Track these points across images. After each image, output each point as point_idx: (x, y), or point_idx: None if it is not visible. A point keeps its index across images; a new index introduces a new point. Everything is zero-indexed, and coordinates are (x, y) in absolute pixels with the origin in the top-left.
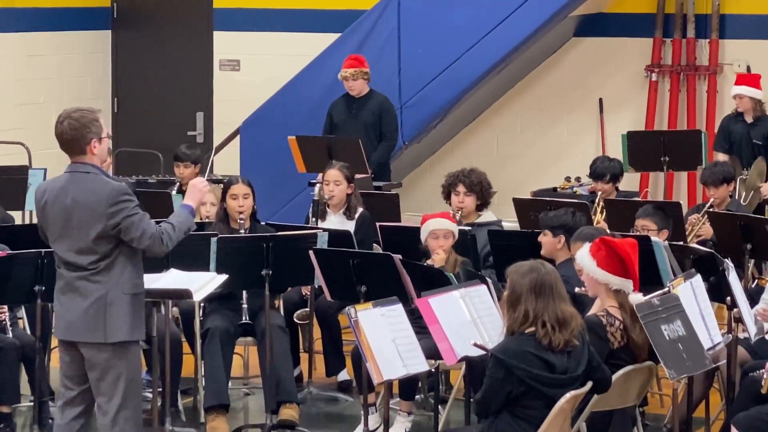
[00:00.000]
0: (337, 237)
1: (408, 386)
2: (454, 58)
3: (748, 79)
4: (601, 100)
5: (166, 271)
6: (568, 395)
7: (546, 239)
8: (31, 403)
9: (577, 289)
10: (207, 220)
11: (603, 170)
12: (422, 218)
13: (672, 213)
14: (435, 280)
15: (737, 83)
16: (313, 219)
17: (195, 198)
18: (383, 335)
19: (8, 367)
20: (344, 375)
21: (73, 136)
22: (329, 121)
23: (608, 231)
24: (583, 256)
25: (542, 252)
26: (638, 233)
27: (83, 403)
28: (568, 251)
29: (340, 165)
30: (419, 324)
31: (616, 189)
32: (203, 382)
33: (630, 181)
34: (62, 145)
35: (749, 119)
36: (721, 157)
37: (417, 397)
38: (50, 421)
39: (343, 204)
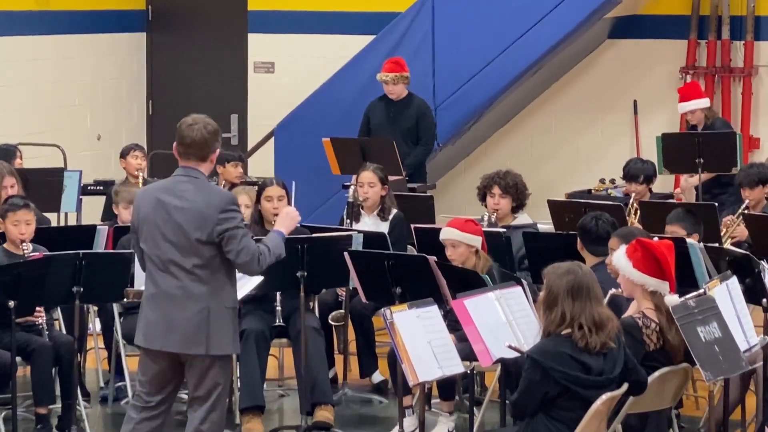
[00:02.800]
0: (371, 239)
1: (447, 386)
2: (488, 60)
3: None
4: (635, 101)
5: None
6: (604, 397)
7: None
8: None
9: (612, 291)
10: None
11: (636, 172)
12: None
13: (706, 215)
14: (470, 282)
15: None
16: (348, 221)
17: (288, 226)
18: (419, 337)
19: (43, 369)
20: (379, 376)
21: (205, 141)
22: (366, 122)
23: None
24: (620, 257)
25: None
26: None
27: (163, 405)
28: (589, 255)
29: (374, 167)
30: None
31: (650, 191)
32: (238, 383)
33: (665, 183)
34: (186, 148)
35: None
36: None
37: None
38: (73, 428)
39: (377, 206)
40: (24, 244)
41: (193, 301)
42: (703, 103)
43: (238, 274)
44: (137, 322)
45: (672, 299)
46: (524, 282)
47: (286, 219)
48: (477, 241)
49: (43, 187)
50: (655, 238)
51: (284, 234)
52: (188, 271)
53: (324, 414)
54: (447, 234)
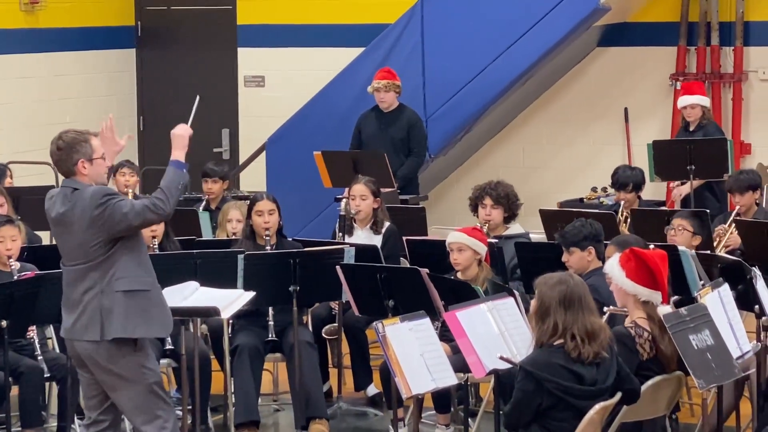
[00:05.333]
0: (364, 252)
1: (443, 399)
2: (478, 70)
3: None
4: (626, 109)
5: (191, 283)
6: (597, 406)
7: (575, 257)
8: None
9: (606, 309)
10: (233, 237)
11: (625, 180)
12: None
13: (704, 224)
14: (462, 294)
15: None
16: (340, 234)
17: (180, 146)
18: (411, 349)
19: (31, 391)
20: (373, 389)
21: (59, 156)
22: (357, 134)
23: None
24: (613, 265)
25: (572, 272)
26: (672, 230)
27: (107, 420)
28: (598, 261)
29: (366, 179)
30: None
31: (639, 198)
32: (233, 399)
33: (656, 190)
34: (53, 165)
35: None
36: None
37: None
38: None
39: (369, 219)
40: (11, 260)
41: (88, 291)
42: (705, 101)
43: (224, 291)
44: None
45: (664, 309)
46: (516, 293)
47: (175, 140)
48: (482, 249)
49: (35, 205)
50: (651, 246)
51: (179, 160)
52: (85, 266)
53: (319, 428)
54: (454, 238)
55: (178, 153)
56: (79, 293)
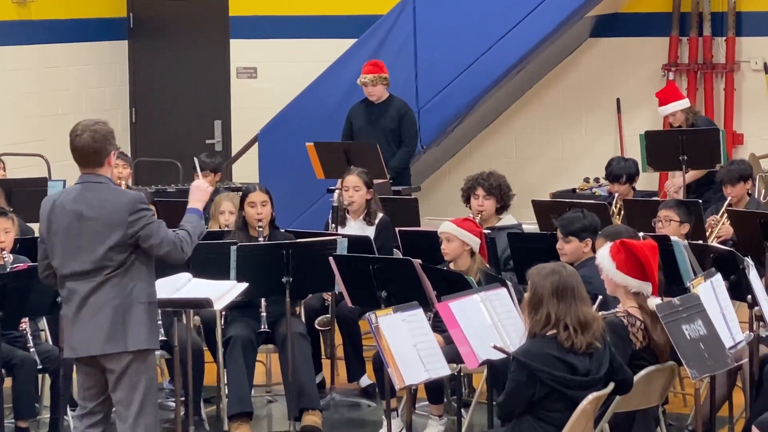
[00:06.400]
0: (356, 243)
1: (436, 390)
2: (470, 62)
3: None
4: (618, 100)
5: (183, 275)
6: (590, 397)
7: (572, 246)
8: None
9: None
10: (226, 229)
11: (619, 171)
12: None
13: (692, 211)
14: (455, 285)
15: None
16: (333, 225)
17: (201, 200)
18: (404, 340)
19: (24, 383)
20: (366, 380)
21: (95, 148)
22: (348, 126)
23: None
24: (603, 256)
25: (565, 260)
26: (660, 222)
27: (102, 412)
28: (591, 252)
29: (359, 171)
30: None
31: (633, 189)
32: (226, 390)
33: (649, 181)
34: (80, 157)
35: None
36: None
37: None
38: None
39: (362, 210)
40: (3, 252)
41: (108, 300)
42: (683, 104)
43: (217, 282)
44: (63, 335)
45: (655, 302)
46: (509, 283)
47: (197, 193)
48: (472, 240)
49: (27, 197)
50: (641, 234)
51: (200, 210)
52: (101, 277)
53: (312, 419)
54: (444, 227)
55: (199, 204)
56: (96, 305)
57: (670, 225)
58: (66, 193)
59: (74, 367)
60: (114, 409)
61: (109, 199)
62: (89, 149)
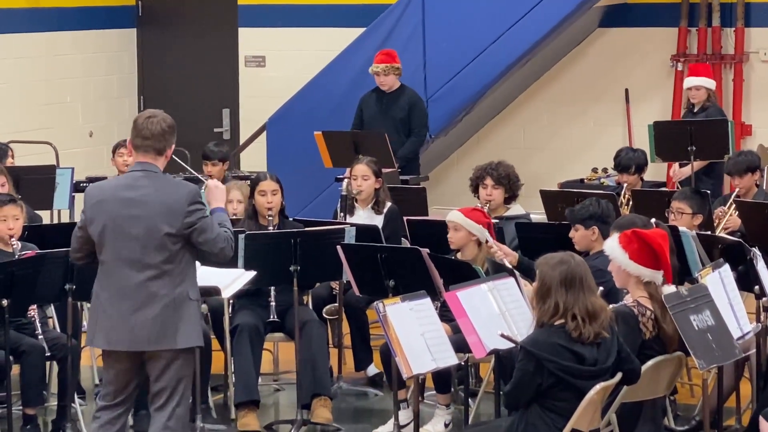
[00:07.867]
0: (365, 232)
1: (443, 379)
2: (479, 51)
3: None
4: (627, 90)
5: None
6: (598, 387)
7: (579, 234)
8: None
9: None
10: (235, 217)
11: (628, 162)
12: None
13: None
14: (463, 274)
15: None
16: (341, 214)
17: (222, 199)
18: (412, 329)
19: (32, 370)
20: (374, 369)
21: (163, 136)
22: (359, 115)
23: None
24: (614, 247)
25: (577, 248)
26: (672, 214)
27: (125, 405)
28: (602, 242)
29: (367, 160)
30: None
31: (642, 179)
32: (233, 378)
33: (657, 171)
34: (146, 140)
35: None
36: None
37: None
38: (68, 426)
39: (371, 199)
40: (13, 239)
41: (160, 296)
42: (710, 83)
43: (225, 270)
44: (92, 324)
45: (669, 290)
46: (517, 273)
47: (216, 192)
48: (478, 230)
49: (35, 184)
50: (653, 221)
51: (224, 208)
52: (154, 267)
53: (323, 414)
54: (451, 216)
55: (221, 203)
56: (145, 298)
57: (682, 217)
58: (116, 180)
59: (87, 355)
60: (150, 396)
61: (166, 186)
62: (159, 136)
